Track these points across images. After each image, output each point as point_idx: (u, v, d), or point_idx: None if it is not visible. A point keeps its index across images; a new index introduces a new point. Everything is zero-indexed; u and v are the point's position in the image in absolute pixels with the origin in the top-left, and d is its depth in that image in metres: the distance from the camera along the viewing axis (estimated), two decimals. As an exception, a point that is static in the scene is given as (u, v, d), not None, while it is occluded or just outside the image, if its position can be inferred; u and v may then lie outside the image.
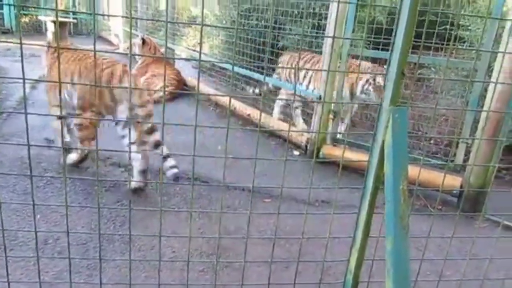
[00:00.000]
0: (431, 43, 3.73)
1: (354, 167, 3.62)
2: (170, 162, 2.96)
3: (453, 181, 3.27)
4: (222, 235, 2.55)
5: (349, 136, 4.06)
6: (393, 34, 1.26)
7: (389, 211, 1.23)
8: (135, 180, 2.97)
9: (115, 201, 2.87)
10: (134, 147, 2.90)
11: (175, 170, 2.95)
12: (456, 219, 1.90)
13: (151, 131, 2.97)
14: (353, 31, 3.75)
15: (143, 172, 3.03)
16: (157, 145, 2.98)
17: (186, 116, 4.89)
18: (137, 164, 2.99)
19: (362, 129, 4.66)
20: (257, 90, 5.58)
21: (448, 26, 4.03)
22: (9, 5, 11.24)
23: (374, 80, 3.83)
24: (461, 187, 3.23)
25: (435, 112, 1.63)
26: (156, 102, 5.44)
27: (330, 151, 3.95)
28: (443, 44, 4.20)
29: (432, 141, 4.28)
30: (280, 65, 4.90)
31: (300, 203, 3.15)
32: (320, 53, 4.23)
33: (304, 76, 4.55)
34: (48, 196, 2.82)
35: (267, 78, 4.72)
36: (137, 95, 2.84)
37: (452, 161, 3.46)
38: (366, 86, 3.92)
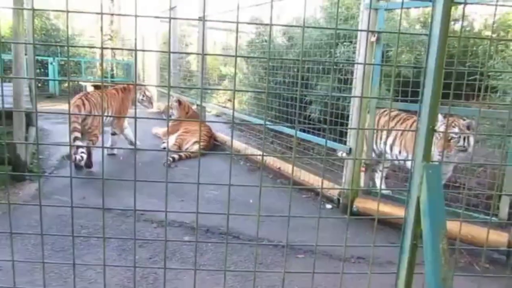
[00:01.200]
0: (462, 93, 3.71)
1: (390, 221, 3.50)
2: None
3: (499, 237, 3.06)
4: (255, 294, 2.47)
5: (388, 189, 3.96)
6: (421, 90, 1.28)
7: (429, 272, 1.18)
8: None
9: (148, 257, 2.88)
10: None
11: None
12: (506, 280, 1.77)
13: None
14: (379, 84, 3.81)
15: None
16: None
17: (217, 170, 4.97)
18: None
19: (396, 181, 4.55)
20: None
21: (478, 76, 4.00)
22: (54, 80, 12.22)
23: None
24: (508, 244, 3.02)
25: (470, 165, 1.59)
26: (188, 157, 5.66)
27: (364, 204, 3.85)
28: (474, 95, 4.16)
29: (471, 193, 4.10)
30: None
31: (335, 259, 3.05)
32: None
33: (387, 137, 4.11)
34: (84, 253, 2.87)
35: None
36: None
37: (496, 215, 3.27)
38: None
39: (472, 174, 3.94)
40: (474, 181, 4.03)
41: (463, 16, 1.41)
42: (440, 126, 3.31)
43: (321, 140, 4.54)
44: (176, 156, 5.57)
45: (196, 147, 5.88)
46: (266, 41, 6.34)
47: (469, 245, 3.11)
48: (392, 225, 3.47)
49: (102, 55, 1.56)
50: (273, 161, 5.10)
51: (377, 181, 4.26)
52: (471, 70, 3.79)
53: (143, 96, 6.16)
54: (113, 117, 5.57)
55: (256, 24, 6.66)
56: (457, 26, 5.62)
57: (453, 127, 3.44)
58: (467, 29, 5.65)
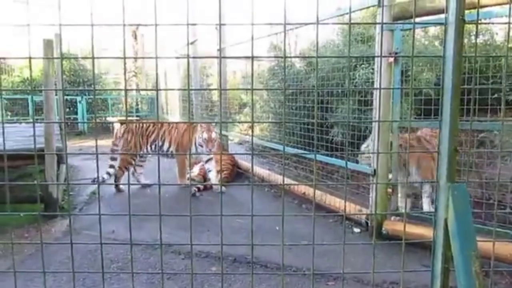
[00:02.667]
0: (485, 107, 3.62)
1: (423, 243, 3.37)
2: None
3: (540, 255, 2.92)
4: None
5: (411, 211, 3.85)
6: (440, 110, 1.27)
7: (464, 296, 1.13)
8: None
9: (176, 291, 2.88)
10: None
11: None
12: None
13: None
14: (401, 104, 3.77)
15: None
16: None
17: (242, 198, 4.98)
18: None
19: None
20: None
21: (503, 91, 3.90)
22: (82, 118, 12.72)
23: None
24: (550, 261, 2.86)
25: (498, 181, 1.54)
26: (212, 187, 5.69)
27: (393, 226, 3.74)
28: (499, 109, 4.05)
29: (507, 210, 3.93)
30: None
31: (367, 285, 2.95)
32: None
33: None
34: (114, 288, 2.90)
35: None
36: None
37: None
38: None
39: (504, 190, 3.78)
40: (509, 197, 3.86)
41: (476, 35, 1.40)
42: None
43: (343, 163, 4.50)
44: (201, 186, 5.62)
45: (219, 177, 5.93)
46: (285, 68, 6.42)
47: (510, 265, 2.95)
48: (425, 247, 3.34)
49: (125, 98, 1.63)
50: (297, 187, 5.07)
51: (425, 206, 3.96)
52: (487, 87, 3.71)
53: (202, 138, 5.59)
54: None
55: (271, 57, 6.80)
56: (478, 40, 5.55)
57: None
58: (488, 42, 5.57)
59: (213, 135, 5.57)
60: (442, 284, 1.35)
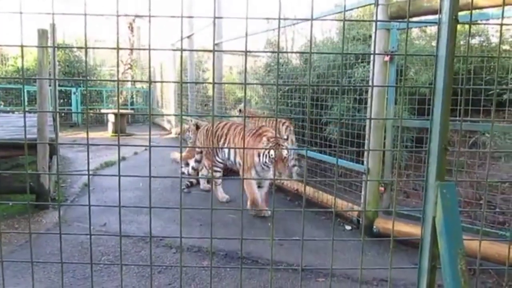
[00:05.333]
0: (478, 108, 3.65)
1: (413, 241, 3.40)
2: None
3: (527, 255, 2.95)
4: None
5: (403, 209, 3.88)
6: (431, 109, 1.28)
7: (449, 294, 1.14)
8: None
9: (167, 283, 2.88)
10: None
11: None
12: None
13: None
14: (395, 103, 3.79)
15: None
16: None
17: (234, 194, 4.98)
18: None
19: (417, 199, 4.45)
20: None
21: (498, 91, 3.94)
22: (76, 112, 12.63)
23: None
24: (537, 261, 2.90)
25: (487, 181, 1.56)
26: (206, 181, 5.68)
27: (384, 224, 3.77)
28: (493, 109, 4.07)
29: (496, 210, 3.97)
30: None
31: (357, 282, 2.97)
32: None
33: None
34: (104, 280, 2.90)
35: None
36: None
37: (521, 232, 3.15)
38: None
39: (493, 190, 3.82)
40: (499, 198, 3.90)
41: (469, 35, 1.41)
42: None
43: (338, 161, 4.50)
44: (194, 180, 5.61)
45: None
46: (282, 64, 6.42)
47: (497, 265, 2.99)
48: (416, 246, 3.36)
49: (118, 88, 1.62)
50: (291, 183, 5.08)
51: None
52: (479, 88, 3.74)
53: (268, 157, 4.06)
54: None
55: (264, 52, 6.76)
56: (473, 42, 5.58)
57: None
58: (483, 44, 5.60)
59: (285, 153, 4.01)
60: (429, 281, 1.36)
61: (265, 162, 4.05)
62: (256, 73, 8.19)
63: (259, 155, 4.10)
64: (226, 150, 4.81)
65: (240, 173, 4.53)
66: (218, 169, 4.97)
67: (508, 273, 2.91)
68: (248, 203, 4.31)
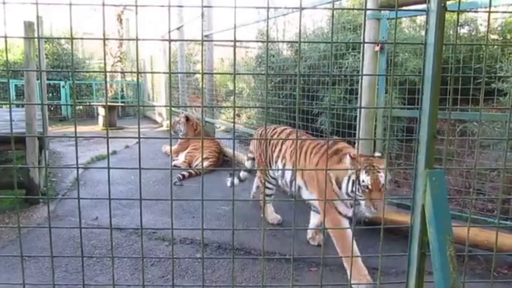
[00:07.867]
0: (468, 97, 3.68)
1: (404, 230, 3.44)
2: None
3: (516, 241, 3.00)
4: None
5: (393, 198, 3.92)
6: (420, 98, 1.28)
7: (438, 280, 1.16)
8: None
9: (160, 276, 2.89)
10: None
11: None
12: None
13: None
14: (386, 92, 3.80)
15: None
16: None
17: (227, 185, 4.98)
18: None
19: (407, 189, 4.50)
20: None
21: (486, 80, 3.96)
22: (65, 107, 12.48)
23: None
24: (526, 248, 2.95)
25: (475, 169, 1.57)
26: (198, 174, 5.68)
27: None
28: (481, 97, 4.11)
29: (485, 197, 4.03)
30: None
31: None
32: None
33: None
34: (97, 274, 2.89)
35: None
36: None
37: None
38: None
39: (482, 178, 3.87)
40: (488, 186, 3.96)
41: (457, 24, 1.41)
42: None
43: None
44: (186, 173, 5.60)
45: (205, 164, 5.92)
46: (273, 55, 6.40)
47: (486, 251, 3.04)
48: (406, 235, 3.40)
49: (106, 79, 1.60)
50: (283, 174, 5.08)
51: None
52: (466, 76, 3.77)
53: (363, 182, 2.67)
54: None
55: (253, 41, 6.69)
56: (462, 31, 5.61)
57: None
58: (472, 33, 5.63)
59: (382, 178, 2.57)
60: (419, 268, 1.38)
61: (352, 191, 2.72)
62: (247, 65, 8.16)
63: (342, 181, 2.80)
64: (280, 165, 3.60)
65: (318, 207, 3.39)
66: (270, 186, 3.96)
67: (497, 259, 2.96)
68: (347, 267, 2.75)
